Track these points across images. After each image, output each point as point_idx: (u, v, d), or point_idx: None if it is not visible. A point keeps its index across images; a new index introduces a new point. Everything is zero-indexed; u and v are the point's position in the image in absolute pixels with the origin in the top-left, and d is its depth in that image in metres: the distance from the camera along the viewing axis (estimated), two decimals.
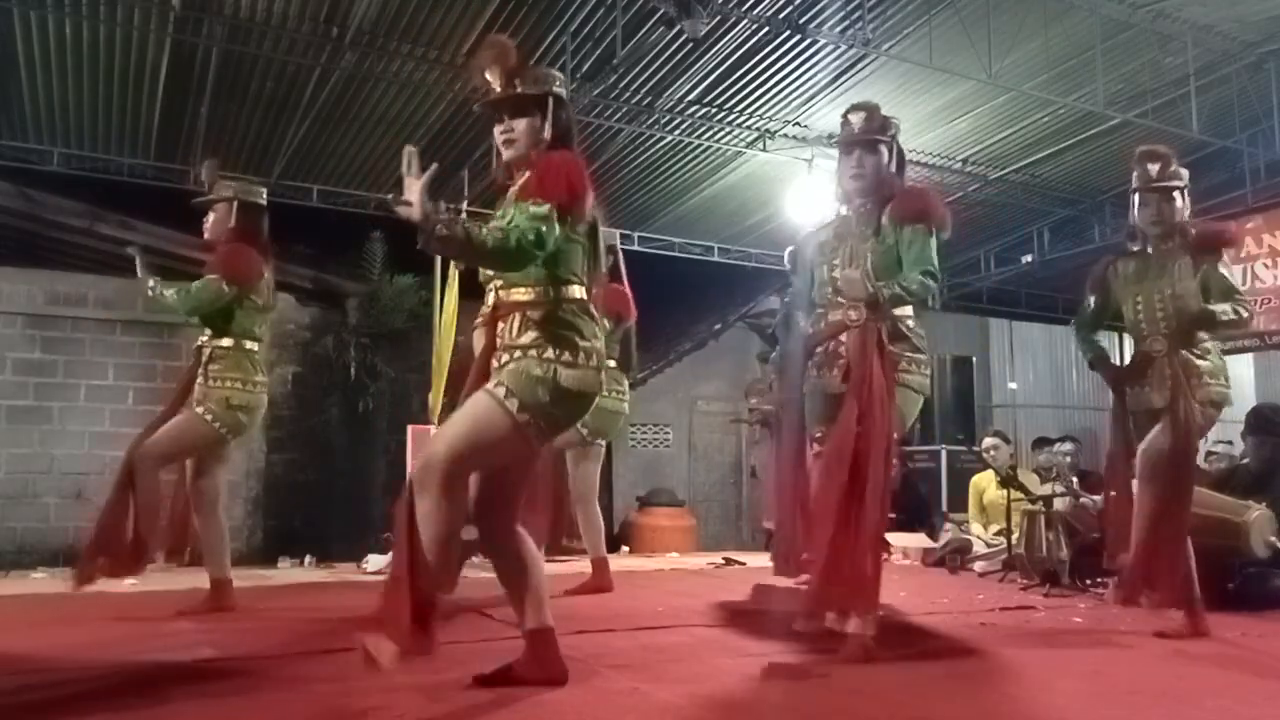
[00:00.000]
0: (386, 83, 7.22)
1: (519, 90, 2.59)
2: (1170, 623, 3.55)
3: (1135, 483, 3.60)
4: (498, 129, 2.62)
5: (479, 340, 2.60)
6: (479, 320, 2.62)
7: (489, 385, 2.45)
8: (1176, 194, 3.69)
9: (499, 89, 2.59)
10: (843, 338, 3.27)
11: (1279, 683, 3.00)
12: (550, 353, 2.45)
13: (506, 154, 2.62)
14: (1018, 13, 6.81)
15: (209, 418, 3.92)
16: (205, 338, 4.03)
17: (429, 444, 2.44)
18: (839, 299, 3.28)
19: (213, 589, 4.00)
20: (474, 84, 2.69)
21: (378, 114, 7.64)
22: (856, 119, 3.37)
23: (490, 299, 2.59)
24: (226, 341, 3.98)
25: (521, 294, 2.52)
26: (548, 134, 2.59)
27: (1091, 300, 3.95)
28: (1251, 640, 3.53)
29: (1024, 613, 4.30)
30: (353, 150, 8.22)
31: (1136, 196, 3.75)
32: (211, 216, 4.07)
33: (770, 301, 10.91)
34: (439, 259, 6.38)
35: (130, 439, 3.99)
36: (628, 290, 4.79)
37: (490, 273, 2.59)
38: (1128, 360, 3.85)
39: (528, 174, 2.54)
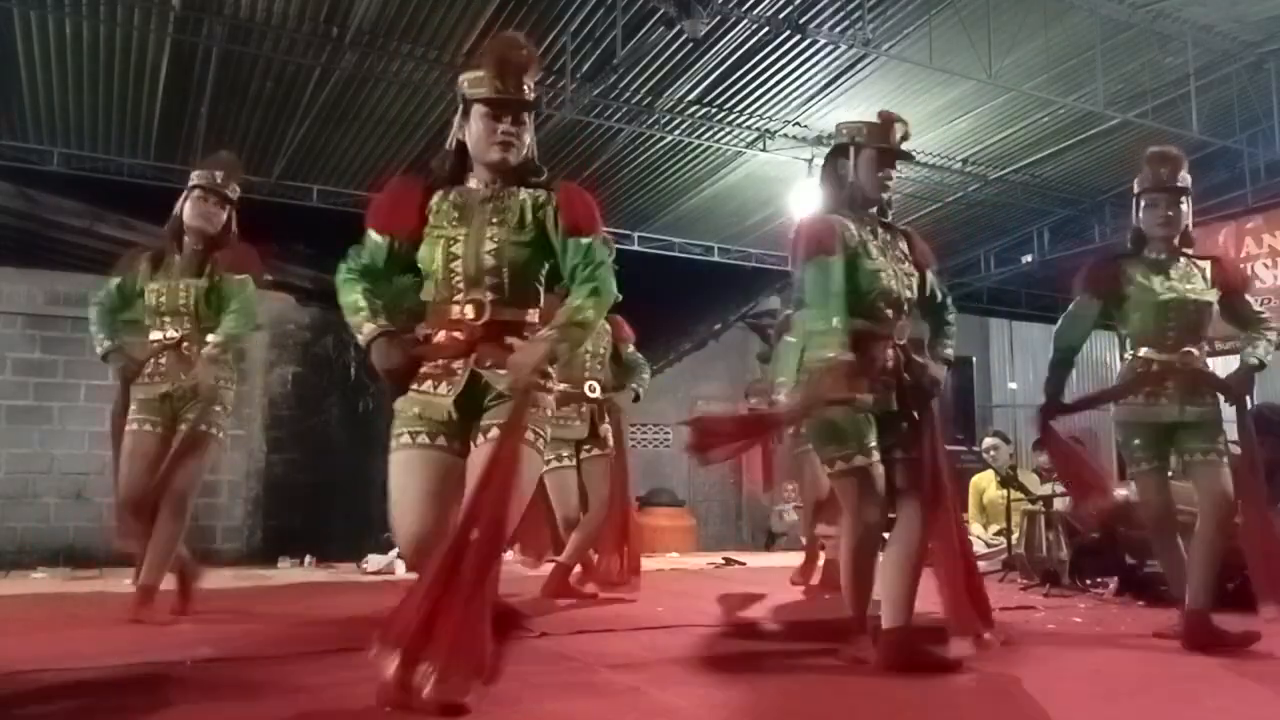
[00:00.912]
0: (386, 83, 7.22)
1: (531, 96, 2.55)
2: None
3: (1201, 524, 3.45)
4: (498, 128, 2.49)
5: (443, 348, 2.44)
6: (441, 336, 2.47)
7: (525, 436, 2.37)
8: (1184, 198, 3.60)
9: (511, 90, 2.49)
10: (889, 352, 3.08)
11: (1279, 683, 3.00)
12: (550, 382, 2.47)
13: (504, 156, 2.50)
14: (1018, 13, 6.82)
15: (219, 433, 3.86)
16: (185, 330, 3.80)
17: (501, 507, 2.26)
18: (887, 310, 3.07)
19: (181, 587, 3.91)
20: (484, 74, 2.57)
21: (378, 114, 7.64)
22: (901, 129, 3.17)
23: (470, 312, 2.44)
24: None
25: (529, 315, 2.50)
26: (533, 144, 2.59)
27: (1094, 306, 3.66)
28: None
29: (1024, 613, 4.29)
30: (353, 150, 8.22)
31: (1144, 199, 3.63)
32: (222, 211, 3.94)
33: (770, 301, 10.91)
34: None
35: None
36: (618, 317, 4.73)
37: (487, 280, 2.44)
38: (1125, 366, 3.66)
39: (558, 198, 2.51)
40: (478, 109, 2.52)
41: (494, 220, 2.48)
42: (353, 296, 2.53)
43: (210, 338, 3.79)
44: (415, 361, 2.46)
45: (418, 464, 2.40)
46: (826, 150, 3.40)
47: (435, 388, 2.43)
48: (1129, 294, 3.57)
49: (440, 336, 2.47)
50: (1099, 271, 3.69)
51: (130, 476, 3.72)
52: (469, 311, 2.44)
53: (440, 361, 2.44)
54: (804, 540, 5.40)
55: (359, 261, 2.59)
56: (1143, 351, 3.56)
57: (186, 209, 3.89)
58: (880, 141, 3.14)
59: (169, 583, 3.81)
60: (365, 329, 2.46)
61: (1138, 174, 3.69)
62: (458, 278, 2.46)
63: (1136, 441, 3.55)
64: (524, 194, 2.53)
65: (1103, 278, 3.66)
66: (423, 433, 2.41)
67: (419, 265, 2.55)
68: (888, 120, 3.17)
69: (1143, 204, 3.63)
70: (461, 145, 2.58)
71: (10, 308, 7.01)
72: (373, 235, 2.59)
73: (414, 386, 2.44)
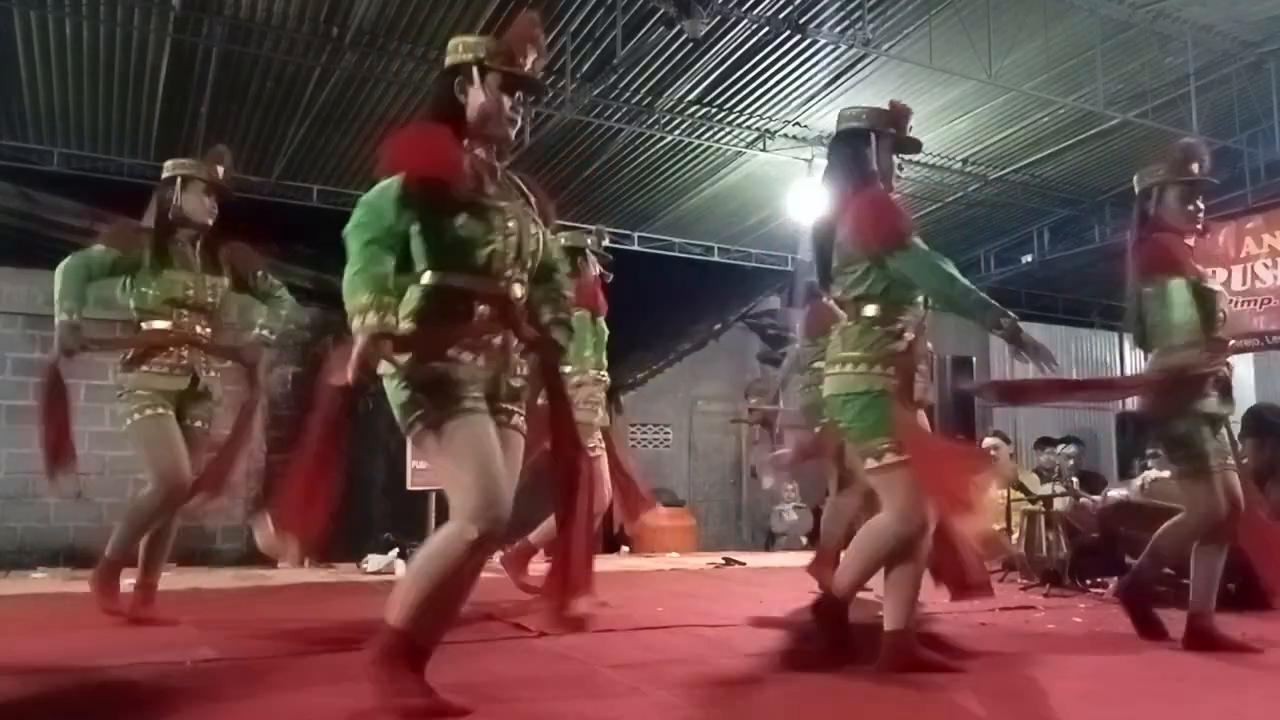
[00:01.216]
0: (386, 83, 7.22)
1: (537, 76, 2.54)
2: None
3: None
4: (507, 102, 2.43)
5: (483, 326, 2.34)
6: (482, 310, 2.33)
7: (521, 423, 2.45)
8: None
9: (528, 68, 2.49)
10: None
11: (1279, 683, 3.00)
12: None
13: (507, 132, 2.45)
14: (1018, 13, 6.82)
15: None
16: (203, 325, 3.80)
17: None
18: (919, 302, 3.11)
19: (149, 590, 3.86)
20: (504, 49, 2.51)
21: (378, 114, 7.64)
22: (911, 120, 3.14)
23: (510, 291, 2.36)
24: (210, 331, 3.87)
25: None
26: None
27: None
28: (1251, 640, 3.53)
29: (1024, 613, 4.30)
30: (353, 150, 8.21)
31: (1174, 189, 3.50)
32: (216, 206, 3.97)
33: (770, 301, 10.92)
34: None
35: None
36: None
37: (529, 261, 2.40)
38: (1190, 355, 3.38)
39: (536, 192, 2.55)
40: (496, 79, 2.41)
41: (524, 200, 2.47)
42: (383, 270, 2.16)
43: (259, 330, 3.95)
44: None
45: (493, 431, 2.29)
46: (828, 145, 3.31)
47: (475, 359, 2.31)
48: (1194, 281, 3.37)
49: (481, 310, 2.32)
50: (1175, 251, 3.40)
51: (178, 462, 3.62)
52: (507, 290, 2.35)
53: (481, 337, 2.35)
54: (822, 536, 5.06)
55: (394, 223, 2.19)
56: (1203, 342, 3.35)
57: (188, 202, 3.87)
58: (898, 130, 3.08)
59: (164, 583, 3.81)
60: (387, 324, 2.12)
61: (1160, 166, 3.57)
62: (511, 254, 2.34)
63: (1210, 439, 3.35)
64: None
65: (1183, 258, 3.37)
66: (482, 400, 2.29)
67: (452, 233, 2.27)
68: (903, 110, 3.09)
69: (1172, 195, 3.50)
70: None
71: (10, 308, 7.02)
72: (408, 188, 2.20)
73: (456, 357, 2.28)
